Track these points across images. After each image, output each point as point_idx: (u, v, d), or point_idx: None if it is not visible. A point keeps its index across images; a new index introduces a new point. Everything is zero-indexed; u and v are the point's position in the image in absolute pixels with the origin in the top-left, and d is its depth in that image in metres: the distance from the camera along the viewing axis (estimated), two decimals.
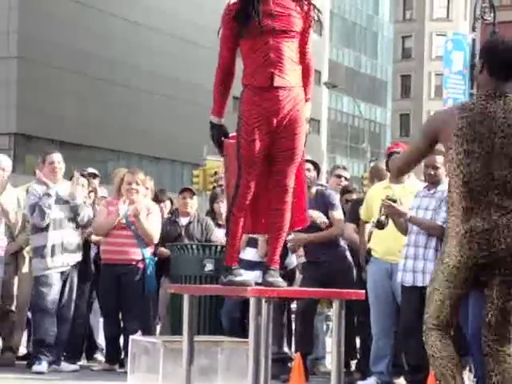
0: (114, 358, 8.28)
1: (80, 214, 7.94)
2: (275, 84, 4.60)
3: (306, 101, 4.79)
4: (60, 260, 7.93)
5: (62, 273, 7.99)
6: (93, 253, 8.59)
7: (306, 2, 4.70)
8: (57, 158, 8.08)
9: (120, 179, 8.32)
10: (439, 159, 7.33)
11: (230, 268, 4.75)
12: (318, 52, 53.48)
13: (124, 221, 8.18)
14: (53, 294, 7.90)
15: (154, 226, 8.24)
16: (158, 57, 44.02)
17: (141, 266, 8.17)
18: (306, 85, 4.82)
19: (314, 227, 7.54)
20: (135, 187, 8.21)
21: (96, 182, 9.16)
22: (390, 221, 7.16)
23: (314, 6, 4.73)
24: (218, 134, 4.76)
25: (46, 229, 7.89)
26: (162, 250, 8.57)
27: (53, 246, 7.91)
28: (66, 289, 8.01)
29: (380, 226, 7.22)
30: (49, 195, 7.88)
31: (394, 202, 7.02)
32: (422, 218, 7.20)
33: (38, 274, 7.94)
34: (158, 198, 9.16)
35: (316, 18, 4.72)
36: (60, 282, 7.96)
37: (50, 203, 7.86)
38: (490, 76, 4.14)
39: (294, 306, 8.86)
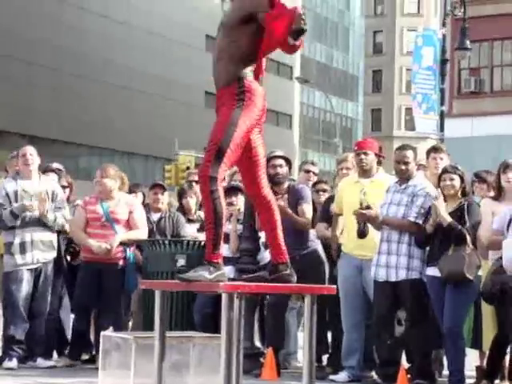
0: (79, 354, 8.25)
1: (52, 225, 7.91)
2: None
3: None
4: (30, 257, 7.88)
5: (34, 269, 7.94)
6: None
7: None
8: (29, 150, 8.05)
9: None
10: (409, 154, 7.40)
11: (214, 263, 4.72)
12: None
13: (104, 218, 8.15)
14: (23, 290, 7.85)
15: (141, 225, 8.22)
16: (133, 52, 43.81)
17: (121, 262, 8.15)
18: None
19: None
20: (102, 180, 8.18)
21: (55, 176, 9.02)
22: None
23: None
24: None
25: (14, 226, 7.85)
26: (137, 254, 8.51)
27: (22, 243, 7.85)
28: (40, 284, 7.95)
29: (362, 235, 7.33)
30: (13, 212, 7.79)
31: (368, 207, 7.14)
32: (394, 218, 7.25)
33: (7, 270, 7.90)
34: (130, 191, 9.14)
35: None
36: (31, 279, 7.90)
37: (15, 213, 7.80)
38: None
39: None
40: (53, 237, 8.01)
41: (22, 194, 7.91)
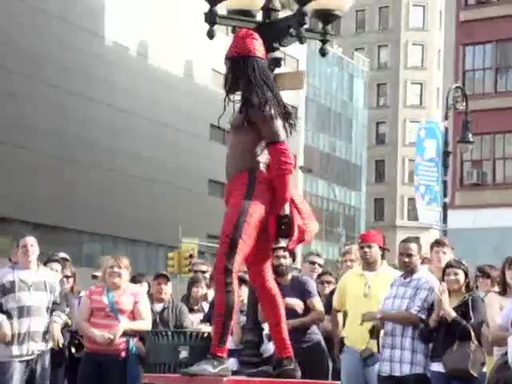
0: None
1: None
2: None
3: None
4: (25, 349, 7.72)
5: (27, 361, 7.77)
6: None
7: None
8: (29, 241, 7.98)
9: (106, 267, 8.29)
10: (413, 247, 7.40)
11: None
12: (294, 137, 53.90)
13: (109, 309, 8.09)
14: (15, 381, 7.67)
15: (145, 315, 8.14)
16: (137, 140, 44.18)
17: (124, 354, 8.05)
18: None
19: (290, 314, 7.52)
20: (117, 270, 8.14)
21: (58, 266, 8.95)
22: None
23: None
24: None
25: (11, 316, 7.70)
26: (140, 346, 8.43)
27: (19, 335, 7.69)
28: (37, 376, 7.80)
29: (370, 359, 7.39)
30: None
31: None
32: (395, 313, 7.21)
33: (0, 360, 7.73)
34: (136, 280, 9.11)
35: None
36: (23, 371, 7.70)
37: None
38: None
39: None
40: (48, 328, 7.89)
41: (21, 284, 7.82)
